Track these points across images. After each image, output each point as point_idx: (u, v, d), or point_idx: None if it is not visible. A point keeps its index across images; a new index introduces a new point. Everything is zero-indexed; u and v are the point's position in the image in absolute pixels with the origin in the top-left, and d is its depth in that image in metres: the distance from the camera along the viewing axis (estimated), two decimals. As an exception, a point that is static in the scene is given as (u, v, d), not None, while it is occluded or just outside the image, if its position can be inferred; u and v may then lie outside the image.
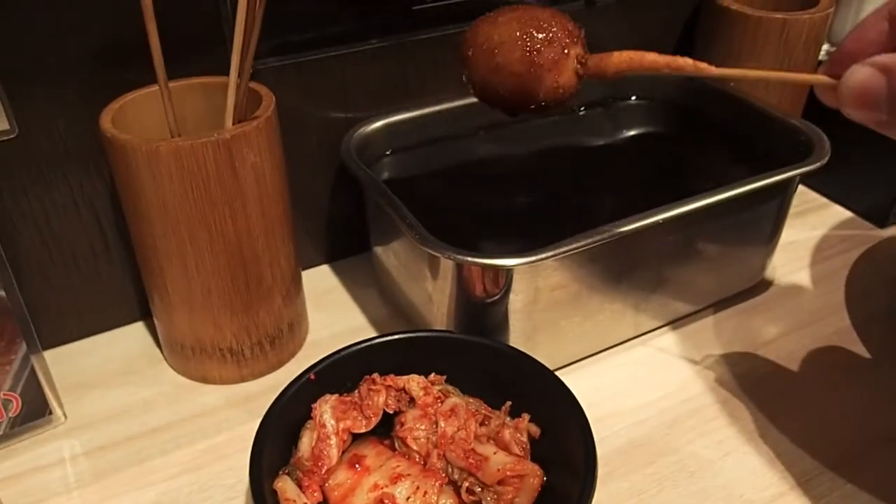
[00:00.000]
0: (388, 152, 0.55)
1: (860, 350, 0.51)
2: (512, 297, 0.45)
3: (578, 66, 0.35)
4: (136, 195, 0.42)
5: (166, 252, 0.44)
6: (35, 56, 0.43)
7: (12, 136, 0.44)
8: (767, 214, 0.53)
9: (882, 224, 0.63)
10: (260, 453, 0.37)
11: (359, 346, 0.43)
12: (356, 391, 0.43)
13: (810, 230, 0.63)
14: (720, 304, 0.55)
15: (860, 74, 0.30)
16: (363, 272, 0.58)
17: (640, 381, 0.49)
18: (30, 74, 0.43)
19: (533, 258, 0.42)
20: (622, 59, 0.34)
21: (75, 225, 0.49)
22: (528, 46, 0.35)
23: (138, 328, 0.54)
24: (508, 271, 0.43)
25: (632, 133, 0.63)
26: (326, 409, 0.41)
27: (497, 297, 0.45)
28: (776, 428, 0.46)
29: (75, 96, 0.45)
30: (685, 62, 0.34)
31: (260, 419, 0.40)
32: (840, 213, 0.65)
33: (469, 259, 0.42)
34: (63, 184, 0.47)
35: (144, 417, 0.47)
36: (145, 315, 0.54)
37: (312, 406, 0.41)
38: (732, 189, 0.47)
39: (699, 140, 0.61)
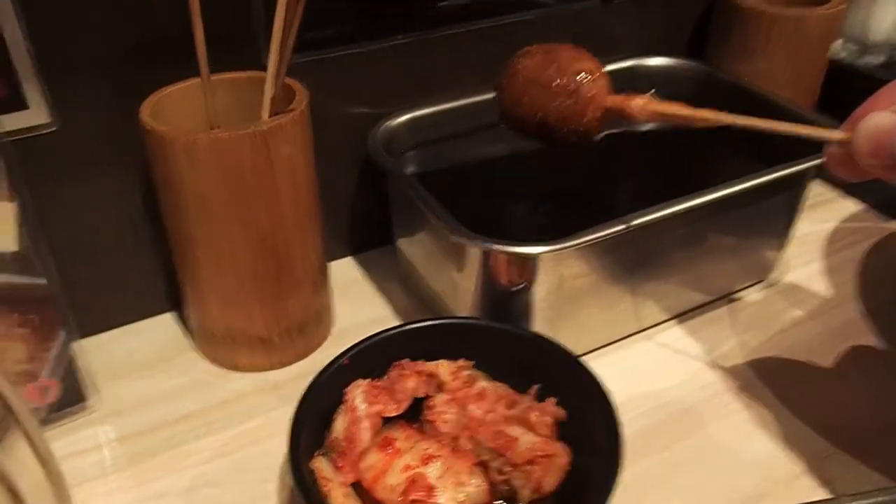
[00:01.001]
0: (411, 147, 0.56)
1: (871, 339, 0.52)
2: (536, 285, 0.46)
3: (603, 110, 0.39)
4: (174, 186, 0.44)
5: (201, 243, 0.45)
6: (75, 51, 0.44)
7: (52, 130, 0.45)
8: (783, 206, 0.54)
9: (894, 215, 0.65)
10: (298, 434, 0.39)
11: (390, 332, 0.44)
12: (386, 376, 0.44)
13: (822, 222, 0.64)
14: (735, 294, 0.56)
15: (878, 118, 0.30)
16: (385, 265, 0.60)
17: (659, 368, 0.50)
18: (70, 70, 0.44)
19: (559, 246, 0.43)
20: (645, 109, 0.38)
21: (109, 217, 0.50)
22: (560, 85, 0.39)
23: (167, 319, 0.55)
24: (534, 259, 0.45)
25: (646, 128, 0.64)
26: (358, 394, 0.43)
27: (521, 285, 0.46)
28: (790, 412, 0.47)
29: (113, 90, 0.46)
30: (706, 113, 0.38)
31: (290, 405, 0.41)
32: (851, 205, 0.67)
33: (496, 247, 0.44)
34: (98, 176, 0.48)
35: (176, 404, 0.49)
36: (174, 306, 0.55)
37: (345, 391, 0.43)
38: (749, 180, 0.48)
39: (713, 135, 0.61)
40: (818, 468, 0.43)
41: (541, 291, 0.46)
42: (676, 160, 0.61)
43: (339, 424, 0.42)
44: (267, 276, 0.47)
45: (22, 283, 0.43)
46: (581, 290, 0.48)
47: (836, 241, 0.63)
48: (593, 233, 0.44)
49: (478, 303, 0.48)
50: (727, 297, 0.56)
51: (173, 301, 0.55)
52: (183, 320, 0.54)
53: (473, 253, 0.46)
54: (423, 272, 0.54)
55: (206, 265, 0.46)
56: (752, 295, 0.57)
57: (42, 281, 0.43)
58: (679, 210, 0.46)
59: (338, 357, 0.43)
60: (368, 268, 0.60)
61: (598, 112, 0.38)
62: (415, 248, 0.54)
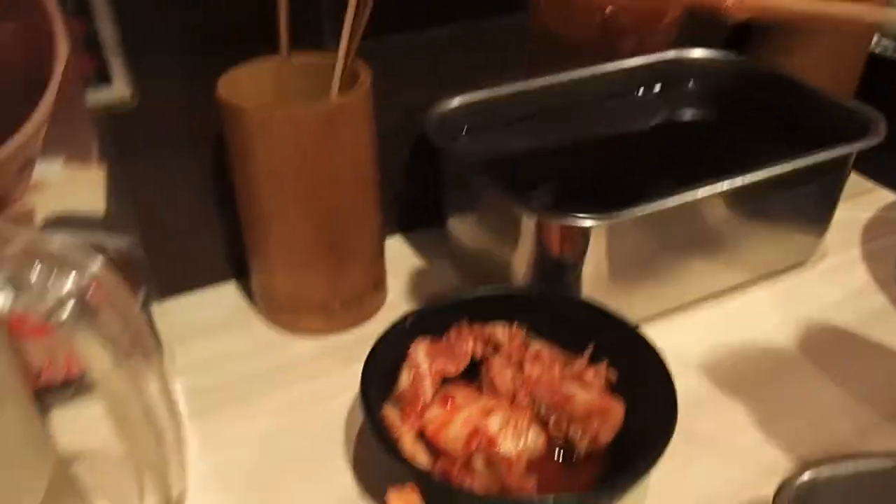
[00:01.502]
0: (464, 129, 0.59)
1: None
2: (587, 258, 0.48)
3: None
4: (248, 159, 0.47)
5: (271, 214, 0.48)
6: (156, 29, 0.47)
7: (133, 105, 0.48)
8: (825, 190, 0.56)
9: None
10: (368, 384, 0.41)
11: (450, 299, 0.47)
12: (445, 338, 0.47)
13: (860, 211, 0.66)
14: (777, 274, 0.59)
15: None
16: (433, 245, 0.62)
17: (701, 343, 0.52)
18: (150, 46, 0.47)
19: (612, 218, 0.46)
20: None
21: (182, 190, 0.53)
22: None
23: (232, 287, 0.58)
24: (587, 231, 0.47)
25: (687, 117, 0.66)
26: (420, 351, 0.45)
27: (574, 257, 0.48)
28: (834, 384, 0.49)
29: (190, 67, 0.49)
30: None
31: (350, 366, 0.44)
32: (887, 196, 0.68)
33: (551, 218, 0.46)
34: (174, 150, 0.51)
35: (244, 363, 0.51)
36: (238, 274, 0.58)
37: (408, 348, 0.45)
38: (796, 162, 0.50)
39: (754, 124, 0.64)
40: (863, 436, 0.45)
41: (592, 264, 0.48)
42: (715, 151, 0.63)
43: (404, 379, 0.44)
44: (330, 246, 0.50)
45: (109, 245, 0.45)
46: (629, 264, 0.50)
47: (872, 230, 0.64)
48: (645, 206, 0.47)
49: (531, 276, 0.50)
50: (769, 277, 0.58)
51: (237, 269, 0.58)
52: (247, 288, 0.57)
53: (528, 225, 0.48)
54: (474, 250, 0.56)
55: (274, 235, 0.49)
56: (793, 277, 0.59)
57: (127, 243, 0.46)
58: (727, 188, 0.48)
59: (401, 318, 0.46)
60: (417, 246, 0.63)
61: (679, 10, 0.31)
62: (466, 227, 0.56)
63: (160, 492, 0.32)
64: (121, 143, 0.48)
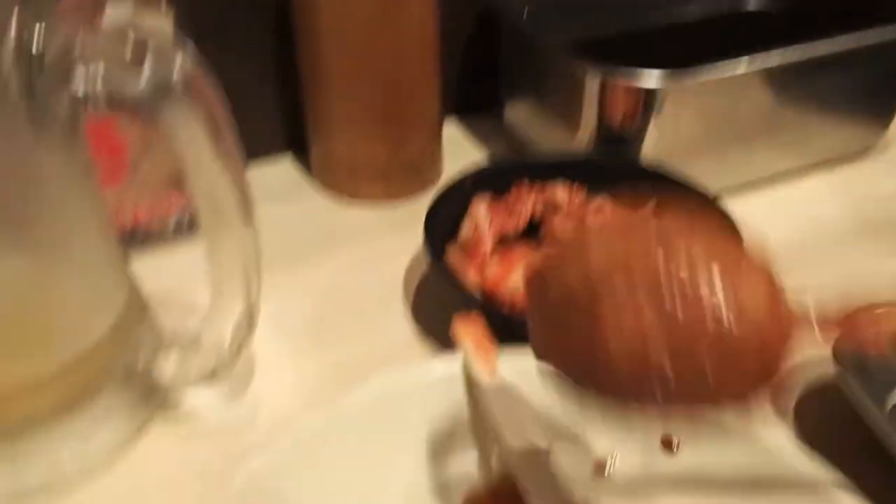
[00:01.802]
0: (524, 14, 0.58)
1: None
2: (652, 122, 0.48)
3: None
4: (316, 27, 0.47)
5: (339, 74, 0.49)
6: None
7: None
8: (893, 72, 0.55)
9: None
10: (432, 227, 0.42)
11: (510, 161, 0.48)
12: (505, 197, 0.47)
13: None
14: (839, 162, 0.58)
15: None
16: (487, 127, 0.62)
17: (764, 221, 0.52)
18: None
19: (680, 78, 0.46)
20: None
21: (246, 62, 0.53)
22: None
23: (288, 159, 0.59)
24: (653, 92, 0.47)
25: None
26: (481, 207, 0.46)
27: (638, 122, 0.48)
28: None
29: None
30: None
31: (406, 232, 0.46)
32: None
33: (618, 76, 0.46)
34: (236, 20, 0.52)
35: (302, 228, 0.52)
36: (292, 147, 0.59)
37: (469, 204, 0.46)
38: (867, 35, 0.50)
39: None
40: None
41: (655, 129, 0.48)
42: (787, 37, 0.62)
43: (465, 232, 0.45)
44: (394, 109, 0.50)
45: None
46: (692, 133, 0.50)
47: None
48: (712, 69, 0.46)
49: (593, 146, 0.51)
50: (830, 164, 0.58)
51: (292, 142, 0.58)
52: (304, 161, 0.58)
53: (592, 86, 0.48)
54: (532, 129, 0.56)
55: (338, 101, 0.50)
56: (856, 162, 0.58)
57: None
58: (794, 59, 0.48)
59: (463, 176, 0.46)
60: (471, 130, 0.63)
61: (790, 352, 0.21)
62: (525, 104, 0.56)
63: (239, 300, 0.33)
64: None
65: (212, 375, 0.36)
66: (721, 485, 0.34)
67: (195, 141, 0.28)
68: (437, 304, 0.46)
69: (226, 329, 0.34)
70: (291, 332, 0.44)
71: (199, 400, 0.39)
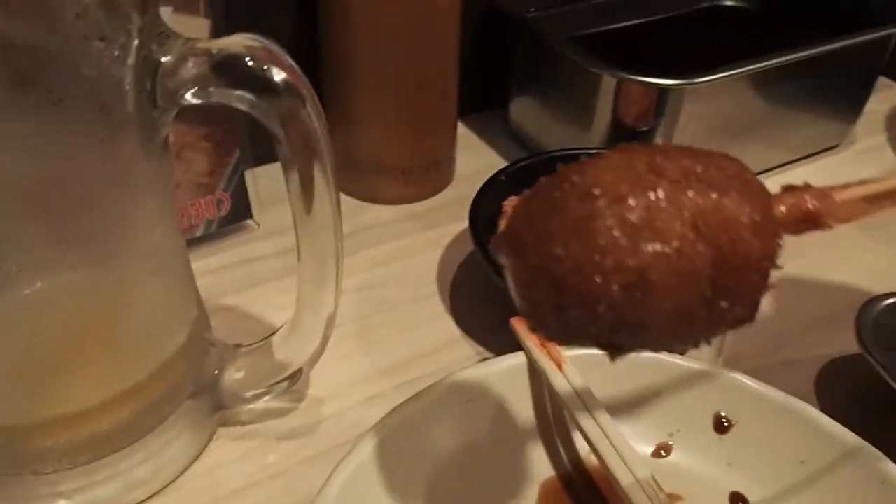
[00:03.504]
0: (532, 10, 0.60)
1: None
2: (663, 121, 0.51)
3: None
4: (348, 22, 0.48)
5: (365, 70, 0.49)
6: None
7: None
8: (863, 72, 0.59)
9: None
10: (475, 225, 0.44)
11: (540, 156, 0.49)
12: (532, 196, 0.49)
13: (881, 104, 0.70)
14: (814, 155, 0.62)
15: None
16: (493, 126, 0.64)
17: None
18: None
19: (693, 81, 0.49)
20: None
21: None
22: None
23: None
24: (666, 93, 0.49)
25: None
26: (514, 202, 0.47)
27: (650, 121, 0.51)
28: (875, 244, 0.53)
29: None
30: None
31: (431, 229, 0.50)
32: (906, 90, 0.72)
33: (633, 77, 0.49)
34: (264, 24, 0.51)
35: (325, 229, 0.53)
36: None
37: (503, 203, 0.48)
38: (846, 40, 0.54)
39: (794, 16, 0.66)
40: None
41: (664, 127, 0.51)
42: (761, 32, 0.65)
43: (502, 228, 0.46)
44: (418, 107, 0.52)
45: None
46: (698, 132, 0.53)
47: (894, 119, 0.68)
48: (722, 71, 0.49)
49: (606, 142, 0.53)
50: (807, 158, 0.62)
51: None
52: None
53: (608, 87, 0.51)
54: (542, 126, 0.58)
55: (365, 92, 0.50)
56: (829, 157, 0.63)
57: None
58: (791, 59, 0.52)
59: (496, 173, 0.48)
60: (476, 127, 0.64)
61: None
62: (535, 102, 0.58)
63: (324, 316, 0.34)
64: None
65: (285, 387, 0.36)
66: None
67: (315, 143, 0.28)
68: (475, 299, 0.48)
69: (308, 346, 0.34)
70: (336, 335, 0.45)
71: (261, 406, 0.40)
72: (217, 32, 0.46)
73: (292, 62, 0.28)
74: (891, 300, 0.40)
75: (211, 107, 0.46)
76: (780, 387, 0.37)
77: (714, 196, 0.21)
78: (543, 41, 0.54)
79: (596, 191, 0.21)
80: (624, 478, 0.32)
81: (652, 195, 0.21)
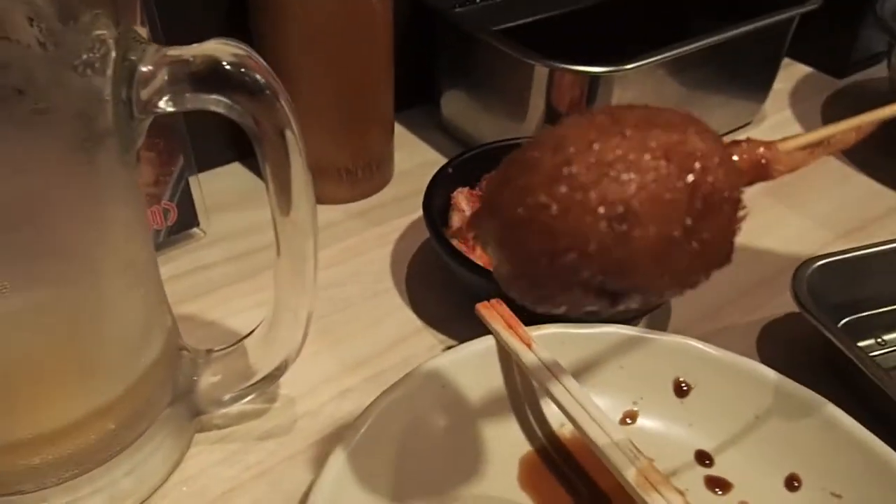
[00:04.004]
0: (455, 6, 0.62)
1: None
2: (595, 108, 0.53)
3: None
4: (285, 22, 0.48)
5: (304, 71, 0.50)
6: None
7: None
8: (770, 53, 0.63)
9: (837, 76, 0.76)
10: (432, 218, 0.45)
11: (483, 148, 0.51)
12: (478, 187, 0.51)
13: (783, 82, 0.75)
14: (732, 133, 0.66)
15: None
16: (422, 120, 0.65)
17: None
18: None
19: (624, 67, 0.51)
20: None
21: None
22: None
23: (236, 167, 0.59)
24: (597, 80, 0.52)
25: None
26: (462, 198, 0.49)
27: (581, 109, 0.53)
28: (792, 213, 0.57)
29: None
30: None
31: (378, 226, 0.52)
32: (802, 69, 0.78)
33: (564, 66, 0.51)
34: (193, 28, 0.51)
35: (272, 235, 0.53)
36: (242, 155, 0.59)
37: (451, 195, 0.49)
38: (756, 21, 0.57)
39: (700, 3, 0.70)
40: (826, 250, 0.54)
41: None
42: (669, 18, 0.69)
43: (455, 221, 0.48)
44: (357, 107, 0.52)
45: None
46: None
47: (796, 95, 0.73)
48: (650, 57, 0.52)
49: (540, 130, 0.55)
50: (725, 135, 0.66)
51: (245, 151, 0.59)
52: (253, 168, 0.58)
53: (540, 77, 0.53)
54: (473, 118, 0.60)
55: (305, 94, 0.50)
56: (743, 134, 0.67)
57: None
58: (715, 40, 0.55)
59: (443, 167, 0.49)
60: (409, 124, 0.65)
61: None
62: (464, 95, 0.60)
63: (302, 322, 0.35)
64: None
65: (266, 386, 0.37)
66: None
67: (292, 142, 0.29)
68: (431, 290, 0.49)
69: (290, 344, 0.35)
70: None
71: (235, 409, 0.40)
72: (155, 39, 0.45)
73: (264, 62, 0.28)
74: (821, 262, 0.43)
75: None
76: (726, 348, 0.39)
77: (676, 135, 0.23)
78: (471, 35, 0.55)
79: (567, 143, 0.23)
80: (602, 441, 0.34)
81: (619, 138, 0.22)
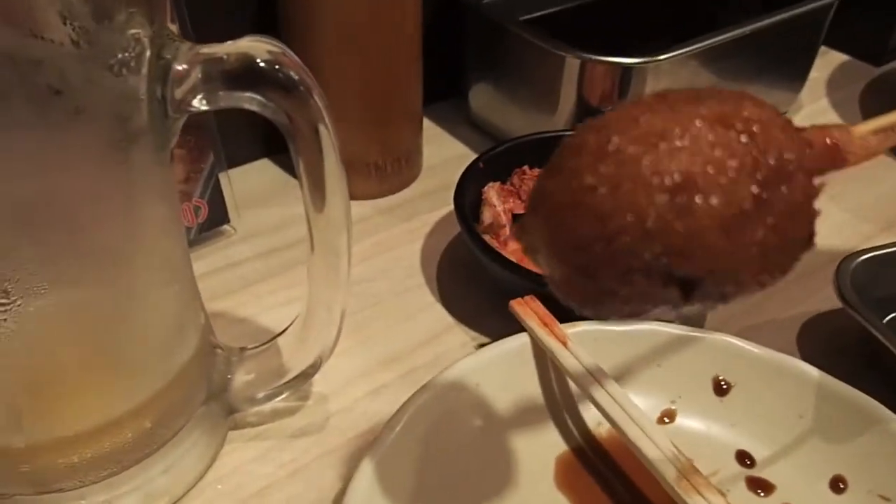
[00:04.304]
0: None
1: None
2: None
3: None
4: (312, 10, 0.47)
5: (332, 69, 0.49)
6: None
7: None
8: (806, 42, 0.62)
9: (875, 63, 0.74)
10: (463, 212, 0.44)
11: (515, 141, 0.50)
12: (509, 182, 0.50)
13: (819, 71, 0.73)
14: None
15: None
16: (450, 115, 0.64)
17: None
18: None
19: (656, 59, 0.50)
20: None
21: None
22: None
23: (265, 163, 0.59)
24: (630, 72, 0.51)
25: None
26: (493, 193, 0.48)
27: (614, 102, 0.53)
28: (834, 205, 0.56)
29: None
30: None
31: (408, 222, 0.51)
32: (839, 56, 0.76)
33: (596, 58, 0.50)
34: (223, 25, 0.51)
35: (302, 231, 0.53)
36: (272, 151, 0.59)
37: (482, 190, 0.48)
38: (800, 7, 0.56)
39: None
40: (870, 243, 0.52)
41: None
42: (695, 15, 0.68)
43: (486, 216, 0.47)
44: (385, 104, 0.52)
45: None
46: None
47: (833, 84, 0.72)
48: (682, 48, 0.51)
49: (571, 125, 0.54)
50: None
51: (273, 147, 0.58)
52: (284, 164, 0.58)
53: (572, 69, 0.52)
54: (502, 111, 0.59)
55: (335, 90, 0.50)
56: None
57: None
58: (747, 31, 0.54)
59: (474, 161, 0.49)
60: (437, 118, 0.65)
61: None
62: (493, 88, 0.59)
63: (336, 320, 0.34)
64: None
65: (301, 383, 0.37)
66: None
67: (325, 138, 0.28)
68: (462, 286, 0.48)
69: (324, 341, 0.34)
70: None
71: (268, 407, 0.40)
72: (185, 36, 0.45)
73: (298, 59, 0.28)
74: (866, 256, 0.42)
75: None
76: (765, 345, 0.39)
77: (730, 105, 0.21)
78: (500, 26, 0.55)
79: (611, 122, 0.21)
80: (641, 442, 0.33)
81: (667, 111, 0.21)
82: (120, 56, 0.25)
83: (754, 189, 0.20)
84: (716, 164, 0.20)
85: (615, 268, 0.21)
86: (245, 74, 0.27)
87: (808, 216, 0.22)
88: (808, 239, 0.22)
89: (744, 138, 0.20)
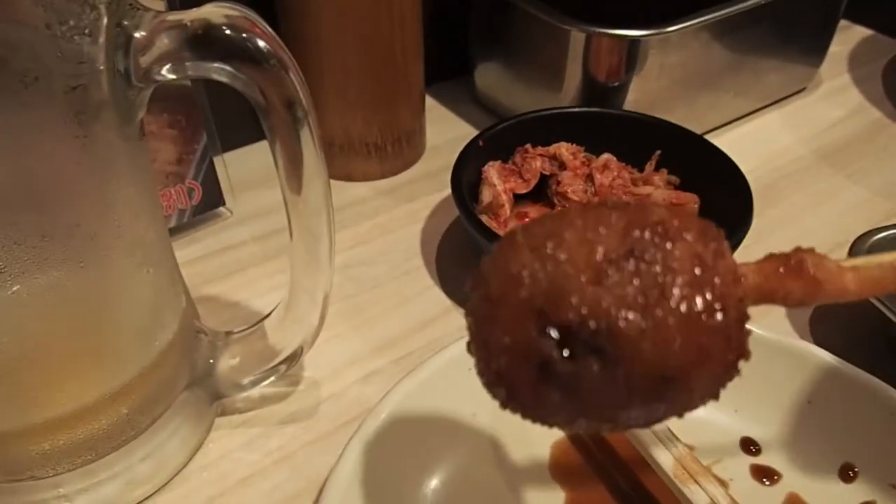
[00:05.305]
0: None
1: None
2: (635, 74, 0.50)
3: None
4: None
5: (330, 49, 0.48)
6: None
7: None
8: (825, 15, 0.59)
9: (899, 37, 0.72)
10: (460, 192, 0.43)
11: (516, 119, 0.48)
12: (511, 161, 0.48)
13: (842, 45, 0.71)
14: (786, 99, 0.62)
15: None
16: (455, 94, 0.63)
17: (736, 156, 0.56)
18: None
19: (663, 31, 0.48)
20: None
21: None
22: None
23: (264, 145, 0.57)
24: (636, 44, 0.49)
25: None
26: (493, 172, 0.47)
27: (621, 75, 0.51)
28: (851, 182, 0.54)
29: None
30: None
31: (408, 203, 0.50)
32: (862, 31, 0.73)
33: (602, 31, 0.48)
34: None
35: (301, 211, 0.52)
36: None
37: (482, 169, 0.47)
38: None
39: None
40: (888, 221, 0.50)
41: (637, 82, 0.51)
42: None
43: (486, 194, 0.46)
44: (384, 82, 0.50)
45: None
46: (669, 84, 0.52)
47: (855, 59, 0.69)
48: (689, 20, 0.49)
49: (578, 100, 0.52)
50: (776, 103, 0.62)
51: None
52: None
53: (577, 42, 0.50)
54: (507, 89, 0.58)
55: (331, 71, 0.49)
56: (798, 101, 0.63)
57: (188, 81, 0.45)
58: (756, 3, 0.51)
59: (474, 139, 0.47)
60: (441, 97, 0.63)
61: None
62: (499, 65, 0.57)
63: (319, 304, 0.33)
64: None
65: (284, 369, 0.35)
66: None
67: (301, 113, 0.27)
68: (461, 268, 0.47)
69: (306, 326, 0.33)
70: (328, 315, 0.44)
71: (258, 392, 0.39)
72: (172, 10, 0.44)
73: (270, 29, 0.26)
74: (882, 234, 0.40)
75: (172, 93, 0.45)
76: (778, 329, 0.37)
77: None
78: (508, 5, 0.53)
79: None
80: (641, 432, 0.31)
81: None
82: (72, 23, 0.23)
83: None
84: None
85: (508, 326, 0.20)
86: (208, 42, 0.25)
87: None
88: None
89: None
